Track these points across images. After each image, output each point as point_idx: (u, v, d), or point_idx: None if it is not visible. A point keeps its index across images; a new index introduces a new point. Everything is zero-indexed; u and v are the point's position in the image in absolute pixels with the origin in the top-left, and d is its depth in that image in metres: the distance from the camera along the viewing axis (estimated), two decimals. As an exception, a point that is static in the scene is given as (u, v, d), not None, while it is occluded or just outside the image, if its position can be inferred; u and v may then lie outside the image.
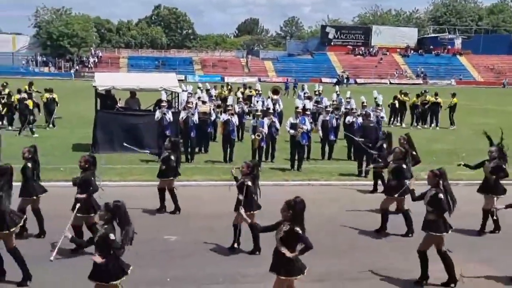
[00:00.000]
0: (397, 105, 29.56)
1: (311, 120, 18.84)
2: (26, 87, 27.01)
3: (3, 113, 25.05)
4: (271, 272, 7.29)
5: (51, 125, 25.64)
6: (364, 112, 19.04)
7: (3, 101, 24.98)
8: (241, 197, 9.96)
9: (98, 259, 6.77)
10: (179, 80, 24.63)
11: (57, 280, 8.81)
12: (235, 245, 10.32)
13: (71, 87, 41.51)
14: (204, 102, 21.15)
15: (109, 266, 6.84)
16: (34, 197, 10.69)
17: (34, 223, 10.77)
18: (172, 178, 12.68)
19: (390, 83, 78.86)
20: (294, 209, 7.07)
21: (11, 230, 8.65)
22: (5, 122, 25.36)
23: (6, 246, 8.70)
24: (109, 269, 6.85)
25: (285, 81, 64.90)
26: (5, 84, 26.33)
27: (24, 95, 24.52)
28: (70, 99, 28.06)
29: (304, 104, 20.16)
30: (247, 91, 30.04)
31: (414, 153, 12.94)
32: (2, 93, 25.34)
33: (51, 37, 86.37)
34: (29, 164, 10.63)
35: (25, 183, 10.65)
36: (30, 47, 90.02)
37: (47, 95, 25.80)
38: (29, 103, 24.09)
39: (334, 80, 69.62)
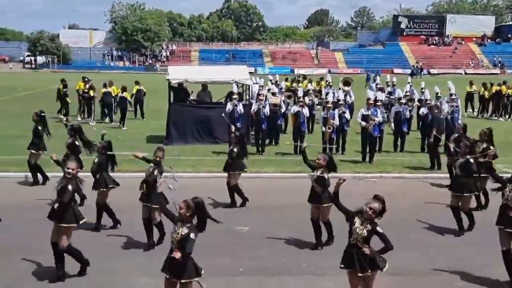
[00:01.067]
0: (474, 96, 29.16)
1: (385, 111, 18.53)
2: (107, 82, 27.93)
3: (90, 99, 26.10)
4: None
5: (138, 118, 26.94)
6: (435, 104, 18.59)
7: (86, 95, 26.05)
8: (319, 190, 9.91)
9: (178, 254, 6.57)
10: (249, 73, 24.78)
11: (127, 267, 9.12)
12: (324, 240, 10.25)
13: (149, 81, 42.58)
14: (274, 94, 21.20)
15: (186, 264, 6.72)
16: (104, 189, 10.89)
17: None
18: (237, 172, 12.58)
19: (466, 73, 76.20)
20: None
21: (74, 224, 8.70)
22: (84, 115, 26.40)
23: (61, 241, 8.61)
24: (185, 266, 6.72)
25: (365, 72, 63.42)
26: (87, 79, 27.35)
27: (109, 89, 25.61)
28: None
29: (376, 96, 19.85)
30: (305, 82, 30.13)
31: (491, 147, 12.43)
32: (85, 88, 26.39)
33: (126, 32, 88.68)
34: (96, 159, 10.89)
35: (100, 176, 10.89)
36: (106, 42, 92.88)
37: (137, 87, 27.01)
38: (127, 95, 25.18)
39: (408, 71, 68.11)
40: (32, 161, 14.19)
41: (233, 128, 16.34)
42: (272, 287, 8.58)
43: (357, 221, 7.01)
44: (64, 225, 8.49)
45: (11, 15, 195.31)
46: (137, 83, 27.26)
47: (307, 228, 10.22)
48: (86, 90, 25.94)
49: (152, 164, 10.09)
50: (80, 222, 8.72)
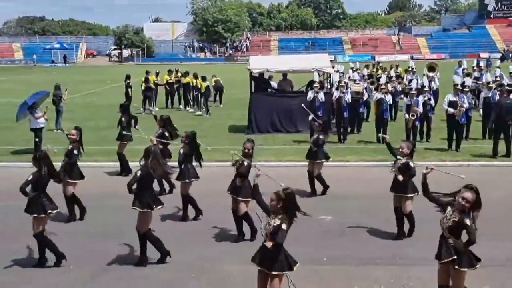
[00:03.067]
0: None
1: (474, 97, 17.84)
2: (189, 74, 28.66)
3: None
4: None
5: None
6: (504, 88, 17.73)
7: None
8: (400, 178, 9.66)
9: (269, 243, 6.52)
10: (330, 61, 24.55)
11: (215, 255, 9.29)
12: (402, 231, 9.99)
13: (230, 71, 43.20)
14: (355, 81, 20.92)
15: (278, 255, 6.63)
16: (187, 181, 10.90)
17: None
18: (323, 160, 12.63)
19: (559, 55, 72.21)
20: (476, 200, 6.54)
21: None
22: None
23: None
24: (277, 257, 6.63)
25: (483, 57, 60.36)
26: (177, 69, 28.84)
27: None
28: (226, 83, 29.31)
29: (464, 81, 19.14)
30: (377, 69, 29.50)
31: None
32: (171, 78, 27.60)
33: (207, 23, 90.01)
34: (181, 150, 10.96)
35: (185, 167, 10.85)
36: (187, 34, 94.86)
37: (214, 78, 28.08)
38: (209, 84, 26.15)
39: (495, 55, 65.28)
40: (120, 152, 14.65)
41: (310, 117, 16.00)
42: (357, 276, 8.46)
43: (448, 211, 6.69)
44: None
45: (97, 10, 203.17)
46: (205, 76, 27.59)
47: (391, 217, 10.06)
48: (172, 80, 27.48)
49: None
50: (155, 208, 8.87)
